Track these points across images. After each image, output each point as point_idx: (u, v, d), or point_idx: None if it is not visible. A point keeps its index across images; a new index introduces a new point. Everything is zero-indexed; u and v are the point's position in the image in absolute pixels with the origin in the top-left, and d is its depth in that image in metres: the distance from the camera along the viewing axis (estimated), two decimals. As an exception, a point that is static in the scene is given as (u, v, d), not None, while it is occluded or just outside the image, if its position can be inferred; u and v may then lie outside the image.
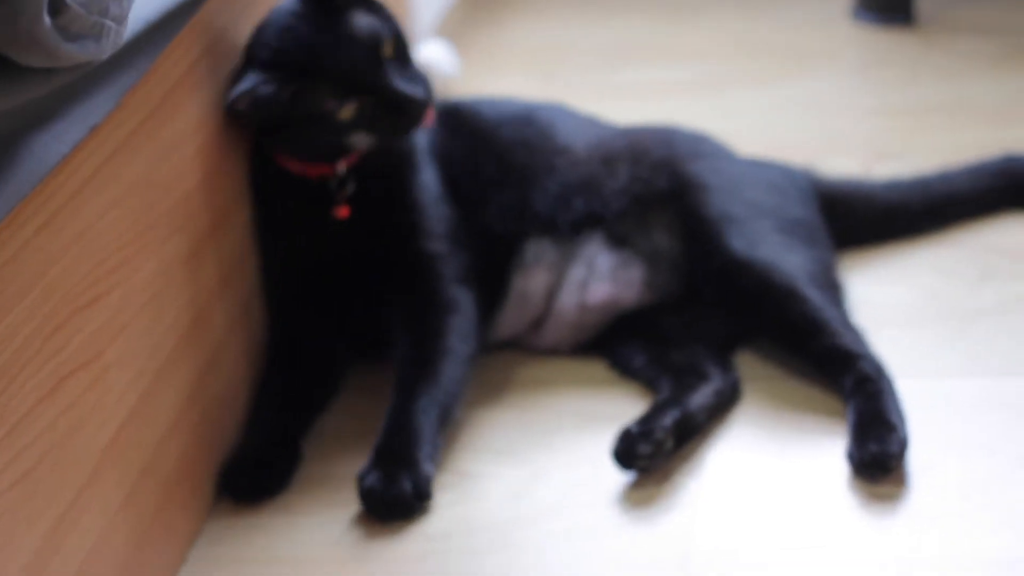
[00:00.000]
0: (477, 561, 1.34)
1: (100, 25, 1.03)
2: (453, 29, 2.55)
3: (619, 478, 1.40)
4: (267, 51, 1.46)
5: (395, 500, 1.37)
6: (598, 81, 2.34)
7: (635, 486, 1.40)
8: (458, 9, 2.62)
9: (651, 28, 2.56)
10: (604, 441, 1.43)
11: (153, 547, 1.32)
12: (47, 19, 0.95)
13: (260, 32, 1.49)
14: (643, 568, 1.30)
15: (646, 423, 1.41)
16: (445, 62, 2.27)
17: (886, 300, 1.62)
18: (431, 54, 2.26)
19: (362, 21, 1.47)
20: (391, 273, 1.55)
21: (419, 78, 1.49)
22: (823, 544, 1.30)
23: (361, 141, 1.49)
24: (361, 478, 1.39)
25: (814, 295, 1.51)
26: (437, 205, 1.56)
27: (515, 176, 1.61)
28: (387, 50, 1.47)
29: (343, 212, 1.52)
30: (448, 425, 1.47)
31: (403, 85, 1.46)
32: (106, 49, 1.06)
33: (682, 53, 2.43)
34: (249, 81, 1.43)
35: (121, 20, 1.06)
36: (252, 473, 1.44)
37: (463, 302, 1.54)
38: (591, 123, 1.72)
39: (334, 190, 1.51)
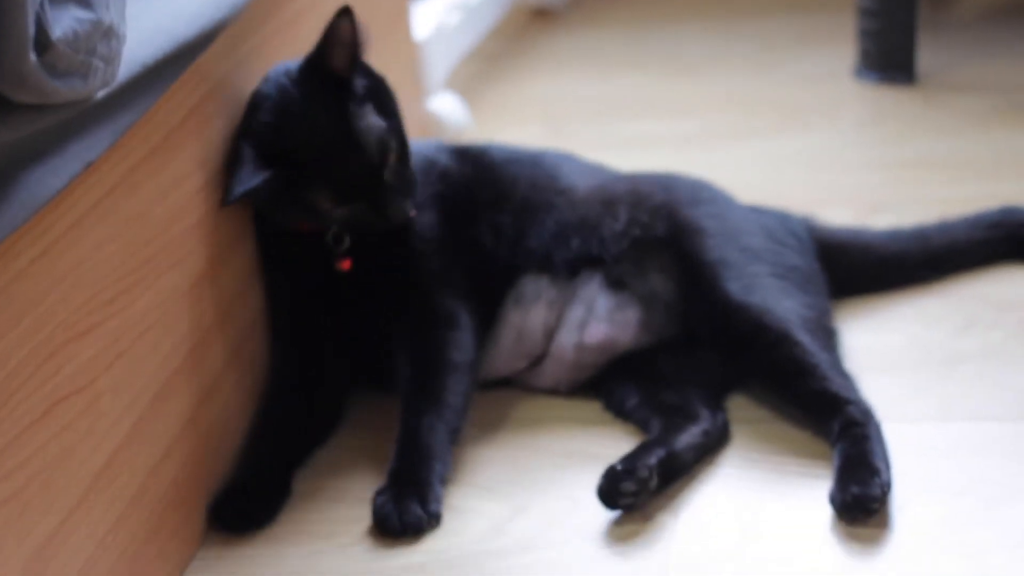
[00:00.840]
0: (455, 591, 1.37)
1: (88, 64, 1.07)
2: (464, 83, 2.62)
3: (599, 515, 1.43)
4: (267, 132, 1.49)
5: (404, 522, 1.43)
6: (602, 133, 2.39)
7: (616, 523, 1.42)
8: (468, 64, 2.69)
9: (655, 84, 2.62)
10: (587, 479, 1.46)
11: (144, 570, 1.35)
12: (32, 56, 1.00)
13: (261, 104, 1.51)
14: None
15: (631, 461, 1.43)
16: (456, 114, 2.33)
17: (870, 346, 1.64)
18: (442, 106, 2.32)
19: (373, 124, 1.50)
20: (390, 299, 1.59)
21: (412, 182, 1.53)
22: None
23: (343, 224, 1.53)
24: (374, 498, 1.45)
25: (806, 339, 1.53)
26: (433, 237, 1.59)
27: (512, 207, 1.65)
28: (392, 157, 1.51)
29: (345, 265, 1.56)
30: (458, 438, 1.52)
31: (398, 199, 1.50)
32: (95, 87, 1.10)
33: (685, 108, 2.48)
34: (247, 178, 1.44)
35: (110, 60, 1.10)
36: (240, 504, 1.48)
37: (459, 315, 1.58)
38: (596, 168, 1.76)
39: (331, 244, 1.56)
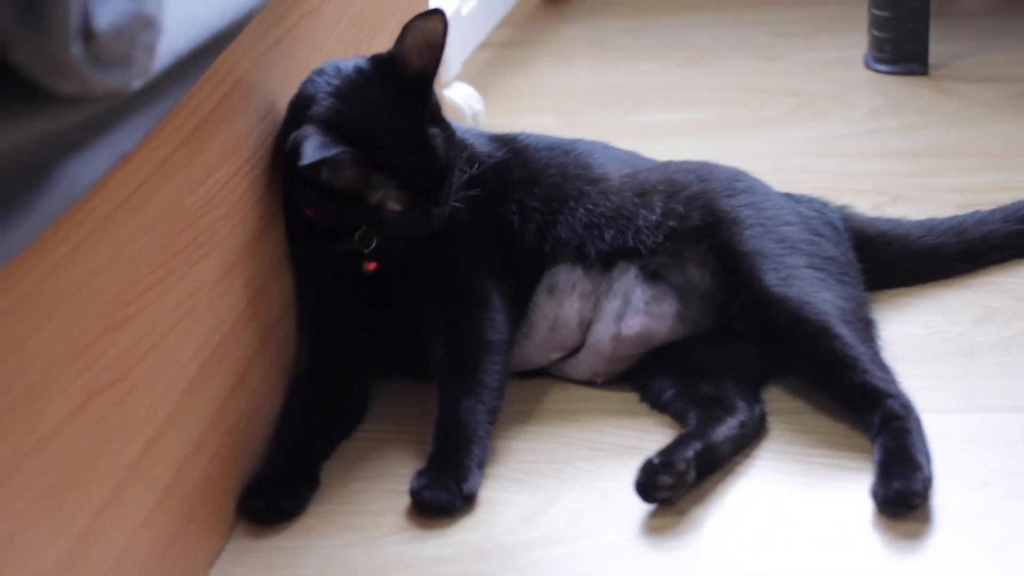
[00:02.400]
0: (486, 583, 1.38)
1: (129, 55, 1.07)
2: (475, 72, 2.61)
3: (630, 507, 1.42)
4: (341, 119, 1.47)
5: (440, 504, 1.44)
6: (615, 122, 2.38)
7: (647, 515, 1.42)
8: (479, 53, 2.68)
9: (666, 73, 2.61)
10: (618, 471, 1.47)
11: (175, 564, 1.35)
12: (77, 47, 0.99)
13: (328, 95, 1.49)
14: (649, 592, 1.34)
15: (668, 454, 1.42)
16: (471, 103, 2.33)
17: (891, 337, 1.63)
18: (458, 95, 2.32)
19: (438, 137, 1.50)
20: (421, 282, 1.58)
21: (455, 189, 1.53)
22: (829, 572, 1.33)
23: (387, 225, 1.52)
24: (413, 479, 1.46)
25: (845, 332, 1.52)
26: (463, 218, 1.57)
27: (542, 192, 1.64)
28: (456, 166, 1.52)
29: (370, 267, 1.56)
30: (496, 418, 1.53)
31: (444, 206, 1.50)
32: (135, 78, 1.09)
33: (698, 96, 2.47)
34: (324, 147, 1.42)
35: (150, 50, 1.10)
36: (269, 495, 1.48)
37: (491, 294, 1.58)
38: (629, 156, 1.75)
39: (358, 244, 1.55)
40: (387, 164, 1.47)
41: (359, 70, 1.51)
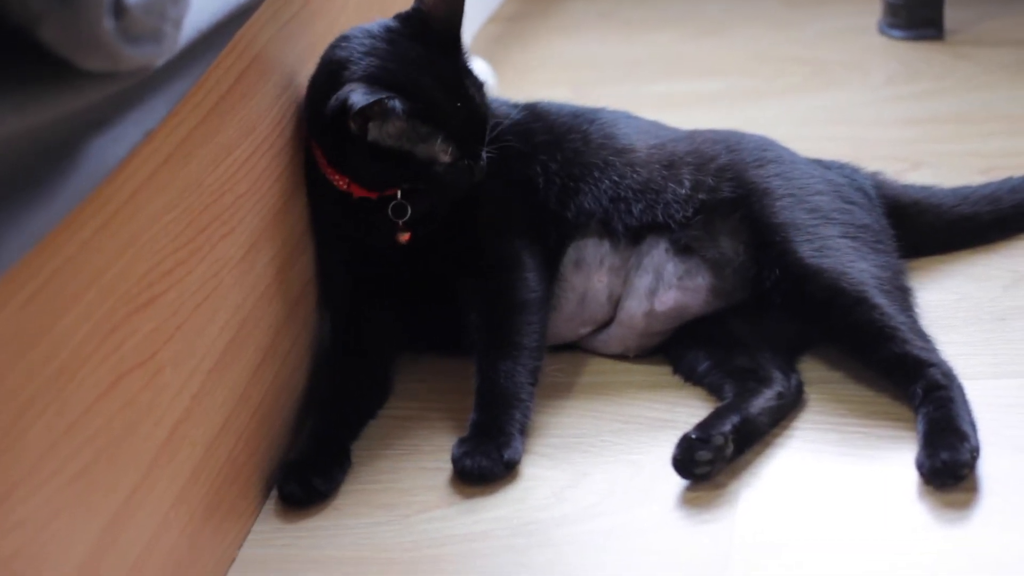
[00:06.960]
0: (519, 559, 1.36)
1: (159, 29, 1.05)
2: (487, 46, 2.59)
3: (661, 480, 1.41)
4: (384, 75, 1.45)
5: (481, 472, 1.44)
6: (629, 93, 2.36)
7: (686, 488, 1.40)
8: (491, 27, 2.66)
9: (681, 43, 2.59)
10: (648, 444, 1.46)
11: (204, 545, 1.34)
12: (109, 21, 0.97)
13: (363, 55, 1.47)
14: (683, 567, 1.32)
15: (705, 429, 1.41)
16: (483, 76, 2.30)
17: (920, 304, 1.60)
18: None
19: (472, 87, 1.50)
20: (451, 252, 1.57)
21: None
22: (874, 545, 1.31)
23: (432, 183, 1.50)
24: (455, 447, 1.46)
25: (883, 302, 1.49)
26: (489, 183, 1.55)
27: (564, 156, 1.62)
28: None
29: (404, 238, 1.54)
30: (537, 377, 1.52)
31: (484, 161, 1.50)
32: (164, 52, 1.08)
33: (712, 66, 2.45)
34: (371, 91, 1.41)
35: (178, 24, 1.08)
36: (303, 479, 1.46)
37: (522, 254, 1.57)
38: (654, 126, 1.72)
39: (390, 214, 1.53)
40: (433, 115, 1.46)
41: (389, 28, 1.50)
